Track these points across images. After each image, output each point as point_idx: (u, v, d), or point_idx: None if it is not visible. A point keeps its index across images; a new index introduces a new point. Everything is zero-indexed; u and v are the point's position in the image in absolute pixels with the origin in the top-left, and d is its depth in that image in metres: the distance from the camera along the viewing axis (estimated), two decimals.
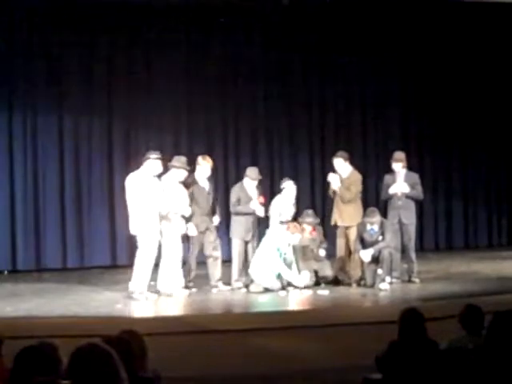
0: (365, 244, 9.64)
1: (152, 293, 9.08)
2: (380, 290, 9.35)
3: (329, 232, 10.54)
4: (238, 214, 9.92)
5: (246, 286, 9.72)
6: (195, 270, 9.73)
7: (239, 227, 9.89)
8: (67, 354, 3.11)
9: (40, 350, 3.54)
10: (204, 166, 9.78)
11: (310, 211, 10.36)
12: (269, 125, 13.40)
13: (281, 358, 7.09)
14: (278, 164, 12.69)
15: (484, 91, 14.13)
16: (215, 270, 9.76)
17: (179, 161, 9.47)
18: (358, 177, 10.23)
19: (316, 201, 13.38)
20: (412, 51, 13.82)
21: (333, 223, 10.18)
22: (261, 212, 9.98)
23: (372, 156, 13.84)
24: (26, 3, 11.87)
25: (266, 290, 9.44)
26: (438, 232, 14.26)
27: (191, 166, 9.65)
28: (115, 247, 12.27)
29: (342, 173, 10.12)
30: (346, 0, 12.78)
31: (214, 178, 10.18)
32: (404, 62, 13.84)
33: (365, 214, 9.78)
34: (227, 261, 10.10)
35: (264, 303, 9.08)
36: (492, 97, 14.17)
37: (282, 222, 9.93)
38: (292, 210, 10.33)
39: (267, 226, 10.14)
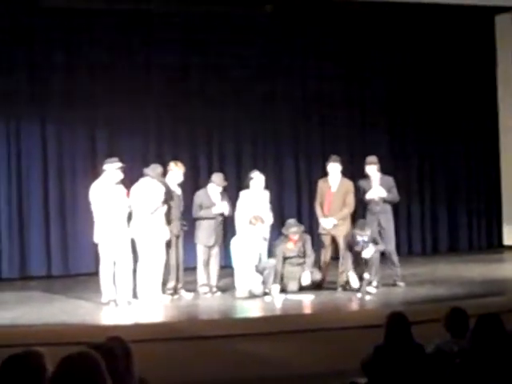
0: (353, 252, 9.63)
1: (135, 299, 9.05)
2: (367, 293, 9.35)
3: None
4: (199, 219, 9.79)
5: (211, 290, 9.71)
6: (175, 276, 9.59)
7: (201, 232, 9.75)
8: (53, 362, 3.10)
9: (25, 358, 3.52)
10: (176, 172, 9.64)
11: (292, 220, 10.15)
12: (254, 131, 13.37)
13: (267, 363, 7.10)
14: (262, 170, 12.57)
15: (466, 97, 14.21)
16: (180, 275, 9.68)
17: (155, 171, 9.34)
18: (350, 183, 10.17)
19: (302, 206, 13.38)
20: (401, 55, 13.92)
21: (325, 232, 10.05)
22: (227, 210, 9.77)
23: (360, 160, 13.82)
24: (8, 10, 11.84)
25: (251, 296, 9.41)
26: (424, 236, 14.30)
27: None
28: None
29: (336, 180, 10.04)
30: (331, 5, 12.81)
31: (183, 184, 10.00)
32: (392, 66, 13.89)
33: (355, 225, 9.73)
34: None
35: (249, 308, 9.05)
36: (471, 103, 14.25)
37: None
38: (266, 214, 10.00)
39: (233, 231, 10.07)
